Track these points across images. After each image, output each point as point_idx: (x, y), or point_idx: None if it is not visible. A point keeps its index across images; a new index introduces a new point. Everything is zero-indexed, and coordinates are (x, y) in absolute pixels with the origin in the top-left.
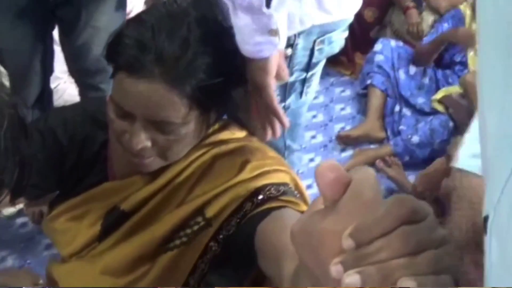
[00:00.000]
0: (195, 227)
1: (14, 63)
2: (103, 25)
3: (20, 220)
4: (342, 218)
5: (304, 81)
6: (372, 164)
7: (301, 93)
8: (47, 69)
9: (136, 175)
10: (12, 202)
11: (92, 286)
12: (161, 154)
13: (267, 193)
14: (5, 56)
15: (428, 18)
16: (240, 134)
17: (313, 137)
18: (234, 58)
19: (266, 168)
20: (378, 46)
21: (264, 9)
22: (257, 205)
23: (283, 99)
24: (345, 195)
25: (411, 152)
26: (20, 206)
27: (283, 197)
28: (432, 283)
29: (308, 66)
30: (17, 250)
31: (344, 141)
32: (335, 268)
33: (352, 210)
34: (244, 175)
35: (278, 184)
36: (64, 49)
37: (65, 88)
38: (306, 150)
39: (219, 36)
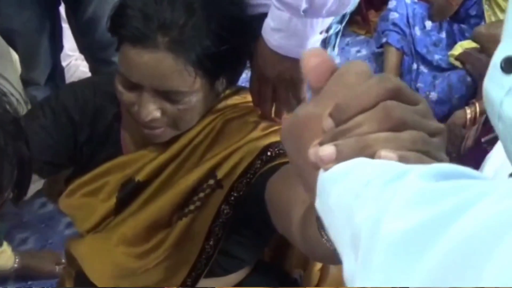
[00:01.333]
0: (207, 190)
1: (24, 44)
2: None
3: (39, 201)
4: (323, 101)
5: (337, 34)
6: None
7: (334, 46)
8: (57, 46)
9: (149, 146)
10: (16, 203)
11: (109, 258)
12: (172, 123)
13: (276, 150)
14: (14, 37)
15: None
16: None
17: None
18: (240, 26)
19: (275, 127)
20: (392, 3)
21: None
22: (266, 162)
23: None
24: (329, 80)
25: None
26: (39, 186)
27: None
28: (416, 160)
29: (343, 18)
30: (38, 231)
31: None
32: (312, 150)
33: (334, 92)
34: (254, 134)
35: None
36: (72, 25)
37: (77, 65)
38: None
39: (224, 2)
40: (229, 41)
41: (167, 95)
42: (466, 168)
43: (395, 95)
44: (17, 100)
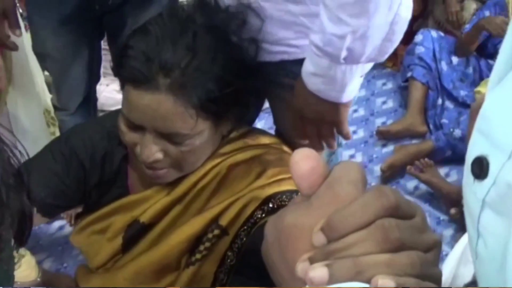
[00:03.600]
0: (212, 238)
1: (56, 69)
2: None
3: (57, 224)
4: (313, 212)
5: None
6: (414, 159)
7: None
8: (93, 76)
9: (154, 187)
10: (17, 250)
11: None
12: (175, 165)
13: (278, 201)
14: (48, 63)
15: (470, 6)
16: (262, 140)
17: (354, 132)
18: (245, 69)
19: (281, 176)
20: (418, 37)
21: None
22: (267, 213)
23: None
24: (320, 188)
25: (453, 147)
26: None
27: None
28: (414, 285)
29: None
30: (55, 254)
31: (385, 136)
32: (301, 266)
33: (325, 203)
34: (259, 182)
35: (292, 191)
36: (112, 52)
37: (101, 91)
38: (347, 146)
39: (227, 44)
40: (233, 83)
41: (169, 137)
42: None
43: (392, 212)
44: (20, 152)
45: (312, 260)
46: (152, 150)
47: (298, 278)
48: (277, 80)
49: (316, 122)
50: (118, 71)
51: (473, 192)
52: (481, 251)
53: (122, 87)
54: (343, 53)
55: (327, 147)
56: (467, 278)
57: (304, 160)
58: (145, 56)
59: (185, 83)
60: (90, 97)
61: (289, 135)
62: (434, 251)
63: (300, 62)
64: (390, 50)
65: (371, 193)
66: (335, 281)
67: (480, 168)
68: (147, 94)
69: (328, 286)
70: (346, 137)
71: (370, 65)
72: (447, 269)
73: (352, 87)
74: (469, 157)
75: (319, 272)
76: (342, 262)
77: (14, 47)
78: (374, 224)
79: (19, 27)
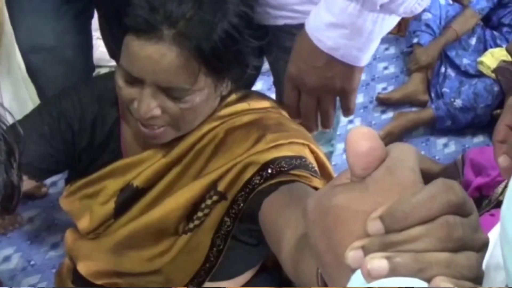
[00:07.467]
0: (211, 204)
1: (56, 65)
2: None
3: (49, 181)
4: (370, 196)
5: None
6: (413, 128)
7: None
8: (90, 67)
9: (149, 150)
10: (2, 217)
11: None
12: (173, 123)
13: (277, 166)
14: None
15: None
16: (260, 104)
17: None
18: (251, 26)
19: (280, 141)
20: None
21: None
22: (266, 179)
23: None
24: (377, 171)
25: (453, 117)
26: None
27: (294, 171)
28: None
29: None
30: (46, 210)
31: (385, 103)
32: (353, 254)
33: (384, 189)
34: (257, 147)
35: (291, 157)
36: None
37: (97, 46)
38: None
39: (235, 0)
40: (237, 40)
41: (169, 92)
42: None
43: (457, 209)
44: (15, 130)
45: (366, 249)
46: (151, 105)
47: (344, 263)
48: (280, 43)
49: (319, 93)
50: (119, 19)
51: None
52: None
53: (122, 39)
54: None
55: (322, 127)
56: (498, 283)
57: (363, 140)
58: (150, 5)
59: (190, 34)
60: None
61: None
62: (483, 252)
63: (303, 26)
64: (425, 4)
65: (438, 186)
66: (394, 275)
67: None
68: (150, 44)
69: (385, 279)
70: (350, 112)
71: (397, 21)
72: None
73: (374, 46)
74: None
75: (378, 263)
76: (403, 256)
77: None
78: (438, 219)
79: None
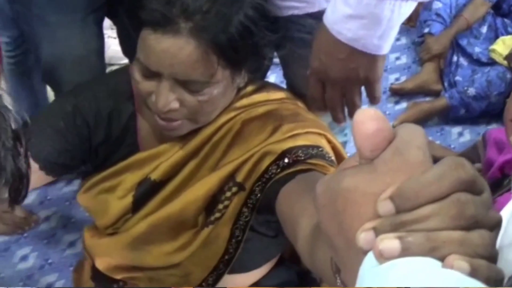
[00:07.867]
0: (231, 196)
1: (81, 73)
2: None
3: (65, 178)
4: (379, 177)
5: None
6: (427, 117)
7: None
8: (103, 66)
9: (166, 143)
10: (12, 208)
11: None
12: (190, 116)
13: (294, 156)
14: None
15: None
16: (277, 95)
17: None
18: (266, 18)
19: (297, 131)
20: None
21: None
22: (282, 169)
23: None
24: (385, 151)
25: (467, 105)
26: None
27: (311, 160)
28: (486, 270)
29: None
30: (62, 209)
31: (398, 93)
32: (364, 236)
33: (393, 169)
34: (274, 137)
35: (308, 147)
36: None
37: (109, 44)
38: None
39: None
40: (254, 32)
41: (186, 85)
42: None
43: (468, 186)
44: (22, 117)
45: (378, 231)
46: (169, 98)
47: (355, 246)
48: (288, 34)
49: (343, 84)
50: (134, 13)
51: None
52: None
53: (138, 32)
54: None
55: (350, 118)
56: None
57: (370, 121)
58: None
59: (207, 27)
60: None
61: (300, 89)
62: (496, 230)
63: (310, 16)
64: None
65: (448, 164)
66: (406, 255)
67: None
68: (168, 38)
69: (398, 259)
70: (376, 101)
71: (414, 6)
72: None
73: (394, 33)
74: None
75: (390, 244)
76: (415, 235)
77: None
78: (449, 197)
79: None
